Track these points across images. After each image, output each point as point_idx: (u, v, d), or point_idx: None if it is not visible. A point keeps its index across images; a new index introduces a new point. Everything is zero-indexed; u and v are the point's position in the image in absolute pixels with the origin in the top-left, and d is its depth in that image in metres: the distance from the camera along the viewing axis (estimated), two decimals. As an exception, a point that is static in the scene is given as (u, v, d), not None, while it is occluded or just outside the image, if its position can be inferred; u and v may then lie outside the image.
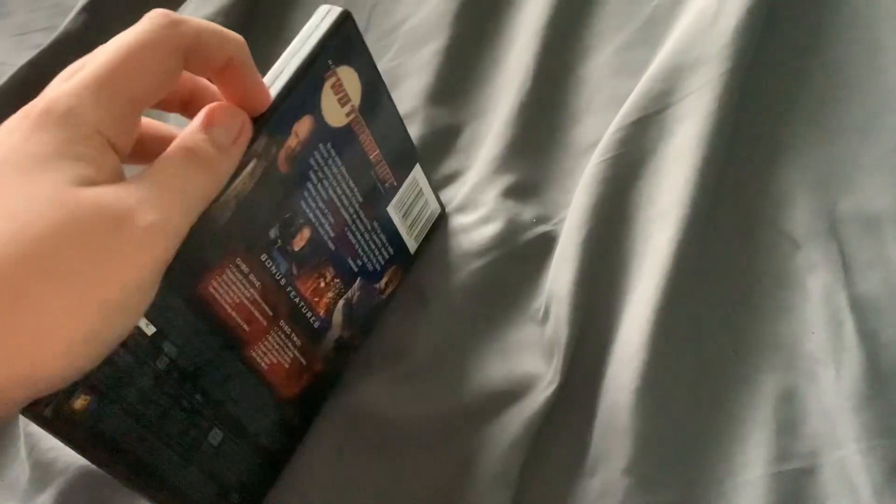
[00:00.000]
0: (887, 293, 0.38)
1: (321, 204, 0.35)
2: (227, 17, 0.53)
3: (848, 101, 0.43)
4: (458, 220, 0.44)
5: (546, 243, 0.43)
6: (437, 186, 0.46)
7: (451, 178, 0.47)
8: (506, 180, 0.45)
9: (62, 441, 0.28)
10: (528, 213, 0.44)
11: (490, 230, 0.43)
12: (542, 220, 0.44)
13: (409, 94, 0.49)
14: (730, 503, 0.35)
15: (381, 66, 0.50)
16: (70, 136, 0.24)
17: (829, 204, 0.41)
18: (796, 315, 0.38)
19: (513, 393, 0.39)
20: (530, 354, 0.40)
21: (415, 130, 0.47)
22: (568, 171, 0.45)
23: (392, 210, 0.40)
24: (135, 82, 0.26)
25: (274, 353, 0.35)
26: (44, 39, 0.55)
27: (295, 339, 0.36)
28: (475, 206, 0.44)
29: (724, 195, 0.41)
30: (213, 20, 0.52)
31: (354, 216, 0.37)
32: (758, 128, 0.43)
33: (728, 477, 0.35)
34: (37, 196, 0.23)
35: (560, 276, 0.40)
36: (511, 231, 0.43)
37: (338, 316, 0.39)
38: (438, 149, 0.47)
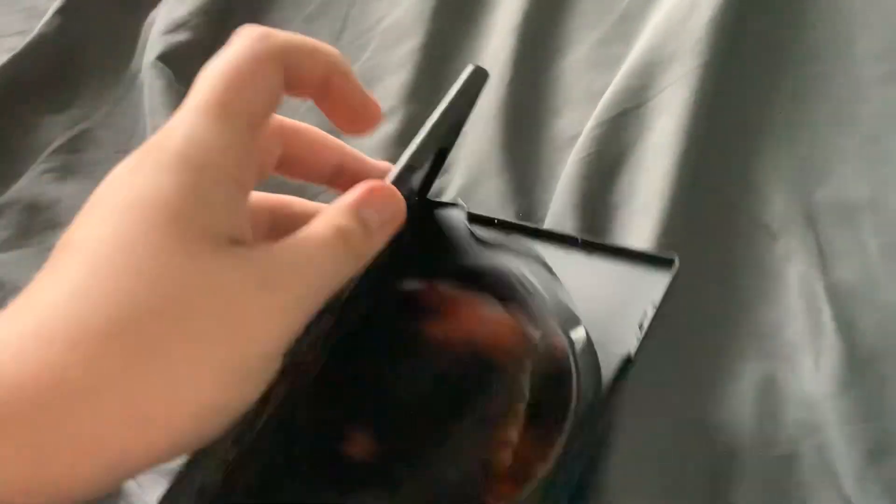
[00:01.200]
0: (864, 281, 0.38)
1: None
2: (207, 15, 0.53)
3: (822, 92, 0.44)
4: None
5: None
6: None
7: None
8: (488, 177, 0.45)
9: None
10: (509, 211, 0.44)
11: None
12: (525, 217, 0.44)
13: (387, 92, 0.49)
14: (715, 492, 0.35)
15: (358, 64, 0.51)
16: (198, 178, 0.23)
17: (806, 194, 0.41)
18: (775, 304, 0.39)
19: None
20: None
21: (393, 128, 0.47)
22: (549, 168, 0.45)
23: None
24: (249, 101, 0.25)
25: None
26: (18, 43, 0.55)
27: None
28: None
29: (702, 188, 0.41)
30: (190, 19, 0.52)
31: None
32: (734, 120, 0.43)
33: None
34: (169, 249, 0.22)
35: None
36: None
37: None
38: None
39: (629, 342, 0.33)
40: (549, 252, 0.37)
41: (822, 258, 0.39)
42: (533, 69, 0.48)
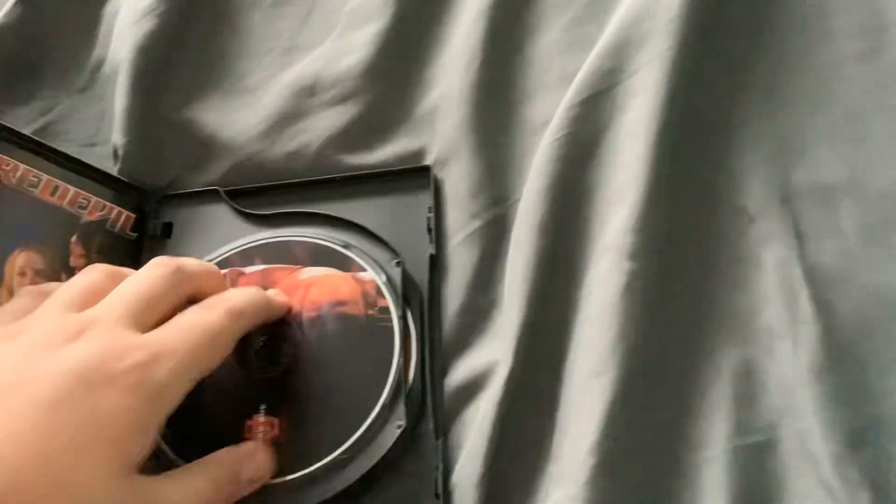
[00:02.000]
0: (842, 264, 0.38)
1: None
2: (172, 2, 0.51)
3: (799, 71, 0.43)
4: None
5: (500, 227, 0.42)
6: (388, 165, 0.46)
7: (403, 160, 0.46)
8: (459, 162, 0.44)
9: None
10: (482, 195, 0.43)
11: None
12: (496, 202, 0.43)
13: (352, 72, 0.48)
14: (691, 480, 0.35)
15: (325, 46, 0.49)
16: (157, 411, 0.30)
17: (783, 176, 0.40)
18: (752, 289, 0.38)
19: (475, 384, 0.39)
20: (489, 343, 0.40)
21: (360, 110, 0.46)
22: (521, 151, 0.44)
23: None
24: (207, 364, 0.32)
25: None
26: (-22, 33, 0.53)
27: None
28: None
29: (678, 171, 0.40)
30: (156, 6, 0.50)
31: None
32: (709, 101, 0.42)
33: (689, 452, 0.35)
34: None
35: (514, 260, 0.40)
36: (464, 215, 0.43)
37: None
38: (384, 127, 0.47)
39: (425, 246, 0.42)
40: (323, 198, 0.44)
41: (800, 241, 0.38)
42: (504, 51, 0.47)
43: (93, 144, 0.50)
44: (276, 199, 0.45)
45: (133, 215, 0.44)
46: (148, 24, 0.50)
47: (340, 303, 0.39)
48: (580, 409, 0.35)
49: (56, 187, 0.40)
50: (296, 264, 0.42)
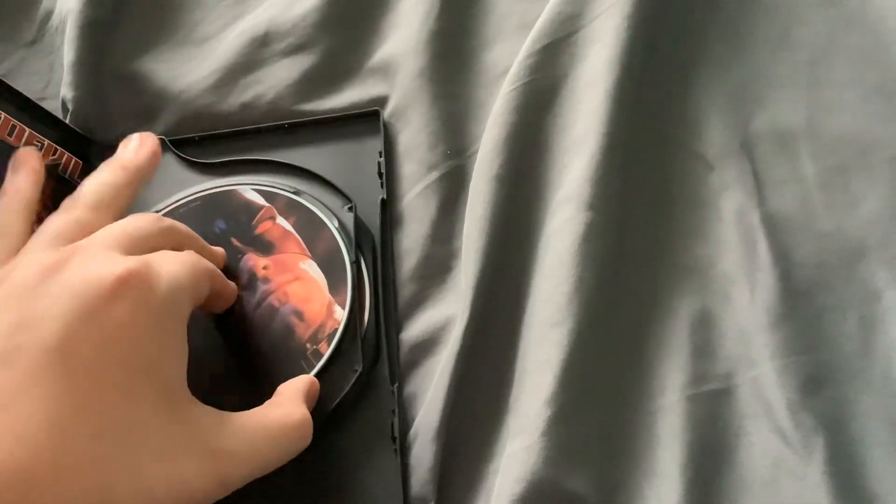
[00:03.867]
0: (801, 210, 0.37)
1: None
2: None
3: (759, 16, 0.42)
4: None
5: (458, 178, 0.42)
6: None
7: (358, 106, 0.45)
8: (417, 112, 0.43)
9: None
10: (440, 147, 0.42)
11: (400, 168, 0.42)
12: (454, 153, 0.42)
13: (306, 22, 0.47)
14: (648, 428, 0.35)
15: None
16: (170, 322, 0.29)
17: (742, 122, 0.40)
18: (711, 237, 0.38)
19: (434, 338, 0.38)
20: (448, 297, 0.39)
21: (315, 60, 0.45)
22: (480, 101, 0.44)
23: None
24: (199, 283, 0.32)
25: None
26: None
27: None
28: None
29: (637, 119, 0.40)
30: None
31: None
32: (669, 48, 0.42)
33: (646, 402, 0.35)
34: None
35: (472, 212, 0.39)
36: (421, 167, 0.42)
37: None
38: (340, 77, 0.46)
39: (376, 191, 0.41)
40: (274, 145, 0.44)
41: (759, 188, 0.38)
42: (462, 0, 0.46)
43: (42, 98, 0.49)
44: (225, 148, 0.44)
45: (81, 162, 0.43)
46: None
47: (298, 314, 0.38)
48: (537, 360, 0.35)
49: (13, 126, 0.38)
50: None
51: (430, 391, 0.37)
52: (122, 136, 0.43)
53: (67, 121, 0.46)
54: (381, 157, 0.42)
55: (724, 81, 0.41)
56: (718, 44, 0.42)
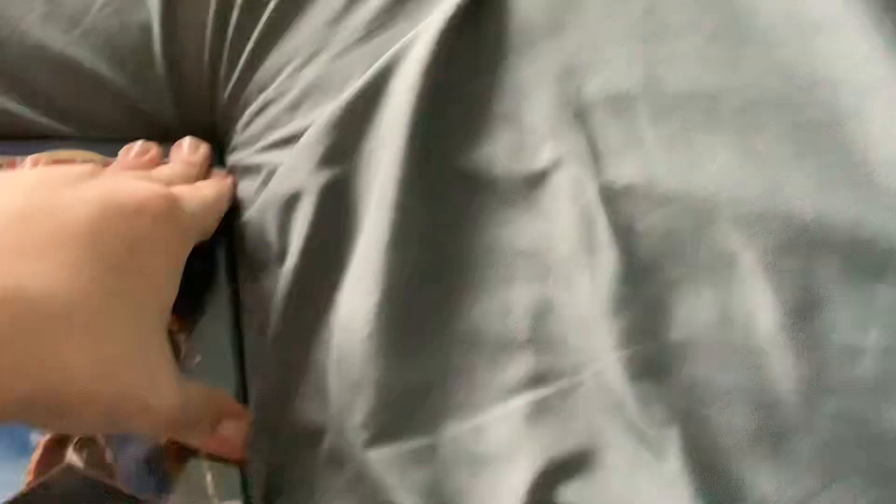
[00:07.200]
0: (642, 176, 0.34)
1: None
2: None
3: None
4: None
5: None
6: None
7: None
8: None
9: None
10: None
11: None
12: None
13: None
14: (488, 438, 0.31)
15: None
16: (184, 248, 0.32)
17: (575, 89, 0.36)
18: (547, 217, 0.34)
19: None
20: None
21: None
22: None
23: None
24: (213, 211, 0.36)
25: None
26: None
27: None
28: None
29: (453, 97, 0.36)
30: None
31: None
32: (487, 20, 0.38)
33: (485, 409, 0.32)
34: None
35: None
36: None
37: None
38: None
39: None
40: None
41: (595, 158, 0.34)
42: None
43: None
44: None
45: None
46: None
47: None
48: (352, 379, 0.32)
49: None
50: None
51: None
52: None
53: None
54: None
55: (552, 53, 0.37)
56: (544, 16, 0.38)
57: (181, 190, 0.32)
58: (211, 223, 0.35)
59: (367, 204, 0.34)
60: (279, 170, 0.37)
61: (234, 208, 0.39)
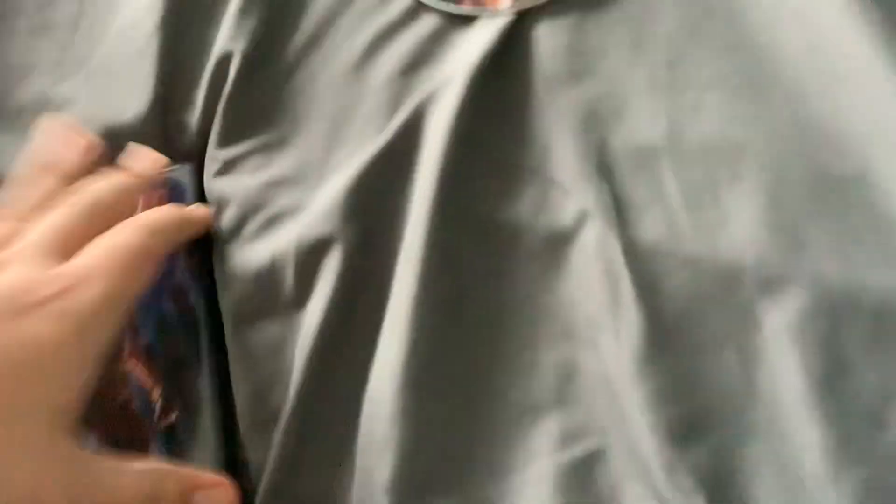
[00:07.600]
0: (667, 234, 0.33)
1: None
2: None
3: (611, 18, 0.38)
4: None
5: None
6: None
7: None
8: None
9: None
10: None
11: None
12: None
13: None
14: (515, 502, 0.31)
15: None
16: (88, 344, 0.28)
17: (598, 140, 0.36)
18: (571, 274, 0.34)
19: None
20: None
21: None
22: None
23: None
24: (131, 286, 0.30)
25: None
26: None
27: None
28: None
29: (480, 149, 0.36)
30: None
31: None
32: (509, 74, 0.37)
33: (511, 473, 0.31)
34: None
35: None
36: None
37: None
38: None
39: None
40: None
41: (619, 213, 0.34)
42: None
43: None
44: None
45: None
46: None
47: None
48: (376, 438, 0.32)
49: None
50: None
51: None
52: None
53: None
54: None
55: (573, 103, 0.36)
56: (563, 64, 0.37)
57: (91, 269, 0.29)
58: (133, 291, 0.30)
59: (396, 258, 0.34)
60: (300, 215, 0.36)
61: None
